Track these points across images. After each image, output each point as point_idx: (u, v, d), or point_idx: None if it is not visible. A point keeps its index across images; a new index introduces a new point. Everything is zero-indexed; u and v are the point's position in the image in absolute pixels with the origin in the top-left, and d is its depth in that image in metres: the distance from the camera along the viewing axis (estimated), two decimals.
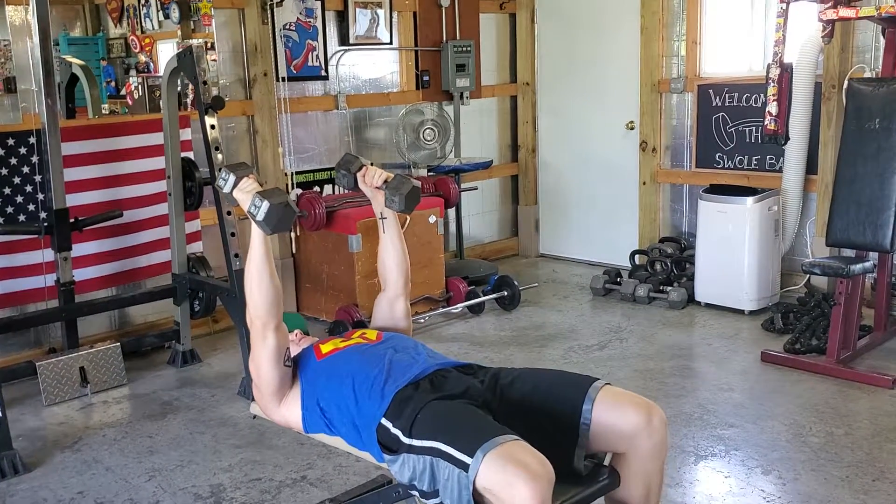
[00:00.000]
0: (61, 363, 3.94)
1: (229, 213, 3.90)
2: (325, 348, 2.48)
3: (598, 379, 2.24)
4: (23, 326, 3.99)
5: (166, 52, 4.94)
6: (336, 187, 5.41)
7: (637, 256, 5.71)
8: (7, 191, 4.06)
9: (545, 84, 6.35)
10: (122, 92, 5.16)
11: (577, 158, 6.25)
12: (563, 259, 6.45)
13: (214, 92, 4.21)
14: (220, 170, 2.42)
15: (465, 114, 5.98)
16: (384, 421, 2.18)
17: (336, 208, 4.81)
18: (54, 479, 3.23)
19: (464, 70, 5.86)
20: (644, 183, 5.80)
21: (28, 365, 3.93)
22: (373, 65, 5.56)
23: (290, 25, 5.06)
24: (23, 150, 4.07)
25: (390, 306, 2.70)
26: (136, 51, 5.13)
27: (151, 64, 5.10)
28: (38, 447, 3.51)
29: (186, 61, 3.91)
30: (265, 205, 2.24)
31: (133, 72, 5.19)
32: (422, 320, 4.91)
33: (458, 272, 5.61)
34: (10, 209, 4.07)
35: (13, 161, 4.06)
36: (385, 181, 2.60)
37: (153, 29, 5.08)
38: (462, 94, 5.91)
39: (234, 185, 2.40)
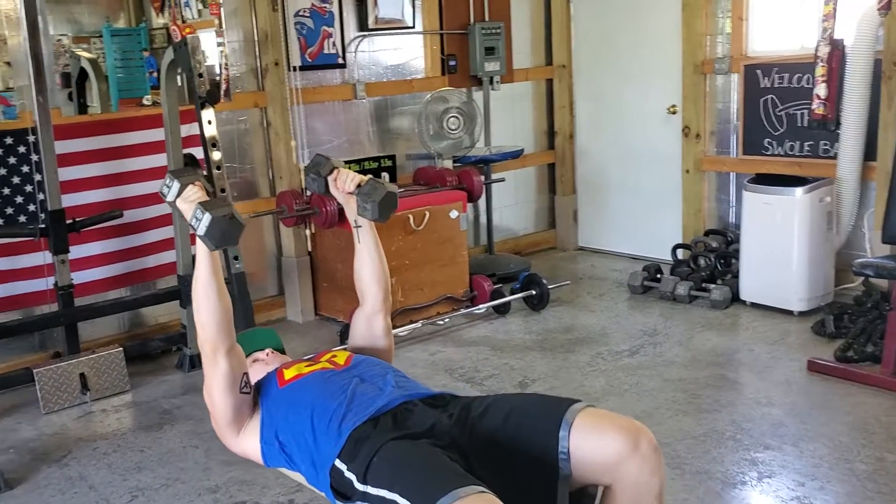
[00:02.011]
0: (60, 370, 3.80)
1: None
2: (289, 374, 2.24)
3: (578, 401, 1.93)
4: (21, 332, 3.86)
5: (206, 40, 4.77)
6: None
7: (679, 251, 5.33)
8: (6, 191, 3.94)
9: (582, 66, 5.98)
10: None
11: (617, 145, 5.87)
12: (603, 253, 6.09)
13: (213, 86, 3.98)
14: (166, 175, 2.19)
15: (496, 99, 5.66)
16: (338, 462, 1.93)
17: None
18: (34, 498, 3.07)
19: (493, 53, 5.54)
20: (687, 171, 5.40)
21: (26, 371, 3.80)
22: (394, 50, 5.28)
23: (304, 11, 4.81)
24: (21, 149, 3.94)
25: (368, 323, 2.44)
26: (178, 41, 4.95)
27: None
28: (27, 461, 3.37)
29: (181, 53, 3.71)
30: (206, 217, 2.01)
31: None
32: (440, 322, 4.64)
33: (486, 269, 5.33)
34: (10, 210, 3.95)
35: (12, 160, 3.93)
36: (358, 185, 2.34)
37: (193, 18, 4.89)
38: (492, 78, 5.60)
39: (178, 194, 2.17)
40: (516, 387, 3.82)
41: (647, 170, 5.69)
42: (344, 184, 2.34)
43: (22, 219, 3.97)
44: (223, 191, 3.70)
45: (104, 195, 4.13)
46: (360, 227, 2.38)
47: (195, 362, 4.22)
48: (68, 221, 3.82)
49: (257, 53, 4.69)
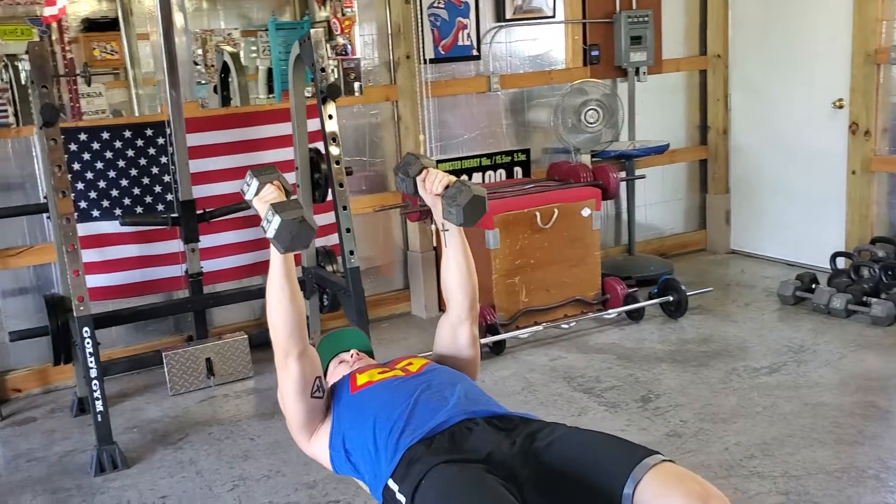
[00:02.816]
0: (187, 354, 3.95)
1: (345, 208, 3.68)
2: (361, 380, 2.17)
3: (656, 453, 1.72)
4: (151, 316, 4.03)
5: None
6: (493, 175, 5.07)
7: (840, 259, 4.82)
8: (146, 181, 4.12)
9: (739, 56, 5.54)
10: None
11: (775, 141, 5.40)
12: (756, 257, 5.64)
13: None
14: (248, 173, 2.16)
15: (643, 92, 5.36)
16: (391, 482, 1.84)
17: None
18: (146, 478, 3.19)
19: (640, 43, 5.24)
20: (854, 172, 4.87)
21: (157, 354, 3.98)
22: (533, 41, 5.10)
23: (439, 3, 4.73)
24: (160, 141, 4.11)
25: (453, 332, 2.32)
26: (337, 33, 5.05)
27: (349, 46, 5.00)
28: (147, 441, 3.52)
29: (305, 47, 3.73)
30: (276, 220, 1.95)
31: (332, 53, 5.13)
32: (565, 326, 4.44)
33: (623, 270, 5.07)
34: (149, 199, 4.14)
35: (151, 151, 4.11)
36: (446, 187, 2.21)
37: (353, 11, 4.98)
38: (638, 69, 5.30)
39: (256, 193, 2.13)
40: (638, 401, 3.58)
41: (807, 169, 5.19)
42: (432, 185, 2.23)
43: (160, 207, 4.15)
44: (341, 185, 3.68)
45: (235, 187, 4.22)
46: (447, 230, 2.25)
47: None
48: (199, 212, 3.95)
49: (390, 46, 4.67)
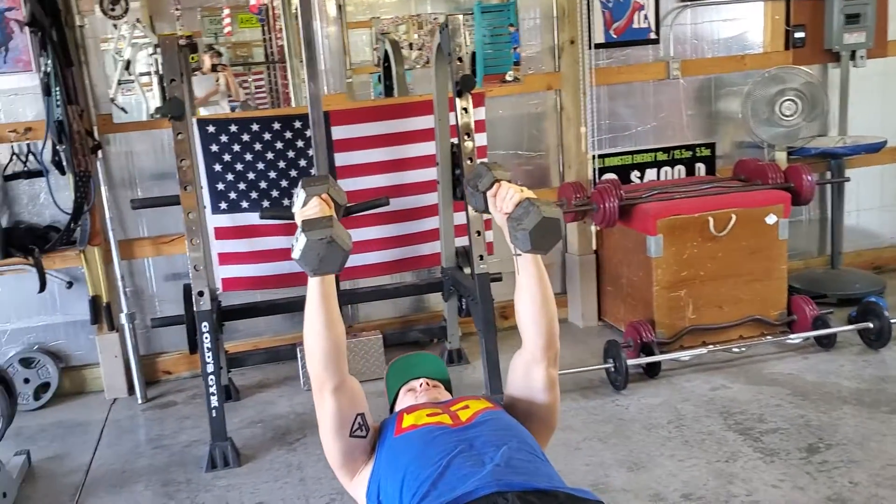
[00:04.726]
0: None
1: (477, 210, 3.40)
2: (407, 421, 1.92)
3: None
4: (286, 310, 3.98)
5: None
6: (670, 172, 4.57)
7: None
8: (294, 173, 4.08)
9: None
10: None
11: None
12: None
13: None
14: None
15: (859, 80, 4.59)
16: None
17: (639, 200, 3.99)
18: (251, 480, 3.14)
19: (858, 21, 4.48)
20: None
21: (292, 348, 3.95)
22: (724, 22, 4.50)
23: None
24: (309, 133, 4.04)
25: (526, 372, 1.99)
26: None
27: None
28: (267, 438, 3.48)
29: (443, 35, 3.48)
30: (302, 239, 1.74)
31: None
32: (736, 349, 3.87)
33: (819, 287, 4.39)
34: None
35: (300, 143, 4.06)
36: (518, 205, 1.88)
37: None
38: (854, 53, 4.53)
39: (303, 206, 1.93)
40: (803, 451, 3.00)
41: None
42: (502, 202, 1.90)
43: None
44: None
45: (381, 181, 4.09)
46: (519, 255, 1.91)
47: (454, 357, 4.08)
48: None
49: (555, 31, 4.30)
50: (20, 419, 3.73)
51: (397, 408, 2.14)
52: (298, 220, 1.86)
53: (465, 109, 3.42)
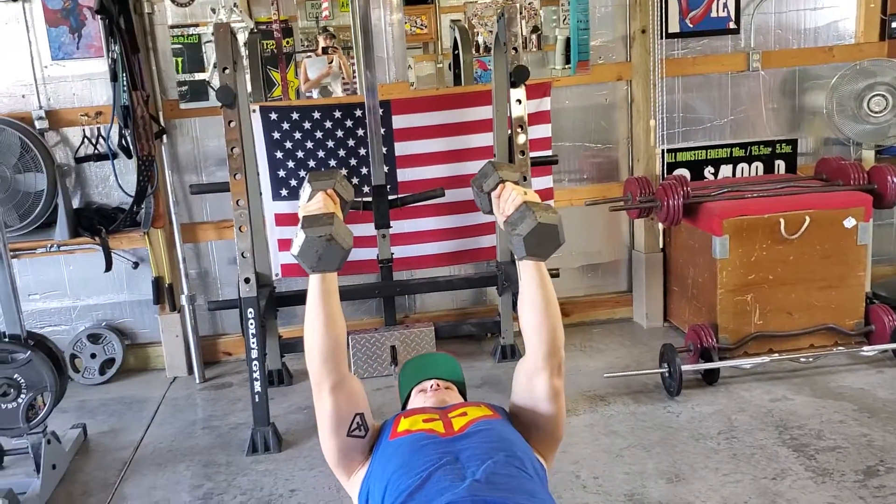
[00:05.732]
0: (373, 339, 3.89)
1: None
2: (403, 424, 1.89)
3: None
4: (341, 297, 3.98)
5: None
6: (747, 169, 4.34)
7: None
8: (353, 162, 4.09)
9: None
10: None
11: None
12: None
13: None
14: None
15: None
16: None
17: (705, 198, 3.80)
18: (287, 467, 3.17)
19: None
20: None
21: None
22: (812, 11, 4.23)
23: None
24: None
25: (528, 380, 1.92)
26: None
27: None
28: (311, 425, 3.43)
29: (500, 25, 3.40)
30: (301, 236, 1.72)
31: None
32: (803, 359, 3.64)
33: None
34: (355, 180, 4.10)
35: (360, 132, 4.05)
36: (516, 209, 1.81)
37: None
38: None
39: (308, 200, 1.91)
40: (860, 473, 2.81)
41: None
42: (505, 204, 1.84)
43: (365, 189, 4.10)
44: (525, 178, 3.33)
45: (440, 171, 4.05)
46: (520, 259, 1.84)
47: (507, 353, 4.02)
48: (391, 198, 3.83)
49: (627, 19, 4.14)
50: (85, 392, 3.90)
51: (408, 408, 2.10)
52: (300, 216, 1.84)
53: (519, 101, 3.33)
